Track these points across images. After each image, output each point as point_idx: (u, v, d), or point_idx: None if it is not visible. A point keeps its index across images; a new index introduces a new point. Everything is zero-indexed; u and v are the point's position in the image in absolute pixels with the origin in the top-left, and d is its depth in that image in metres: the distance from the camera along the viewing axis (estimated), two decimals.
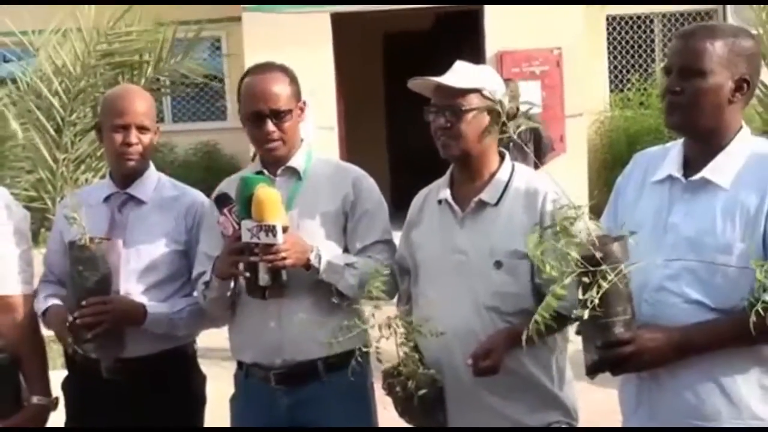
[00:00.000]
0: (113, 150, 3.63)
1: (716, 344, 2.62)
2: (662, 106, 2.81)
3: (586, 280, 2.47)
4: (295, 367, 3.38)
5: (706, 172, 2.70)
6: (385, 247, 3.44)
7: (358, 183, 3.47)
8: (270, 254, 3.17)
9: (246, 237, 3.20)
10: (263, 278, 3.24)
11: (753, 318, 2.42)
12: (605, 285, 2.46)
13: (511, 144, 3.35)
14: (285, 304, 3.32)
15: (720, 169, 2.69)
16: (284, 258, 3.18)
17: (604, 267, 2.47)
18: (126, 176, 3.67)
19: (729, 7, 12.73)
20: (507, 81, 3.80)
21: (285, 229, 3.20)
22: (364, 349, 3.05)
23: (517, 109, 3.01)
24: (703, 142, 2.74)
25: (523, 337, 2.61)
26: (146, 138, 3.59)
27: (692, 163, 2.76)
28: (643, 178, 2.89)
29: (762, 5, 7.54)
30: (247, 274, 3.25)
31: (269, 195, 3.20)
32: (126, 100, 3.66)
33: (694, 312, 2.64)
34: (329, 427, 3.41)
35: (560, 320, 2.82)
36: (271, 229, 3.15)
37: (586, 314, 2.49)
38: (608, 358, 2.59)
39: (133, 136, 3.56)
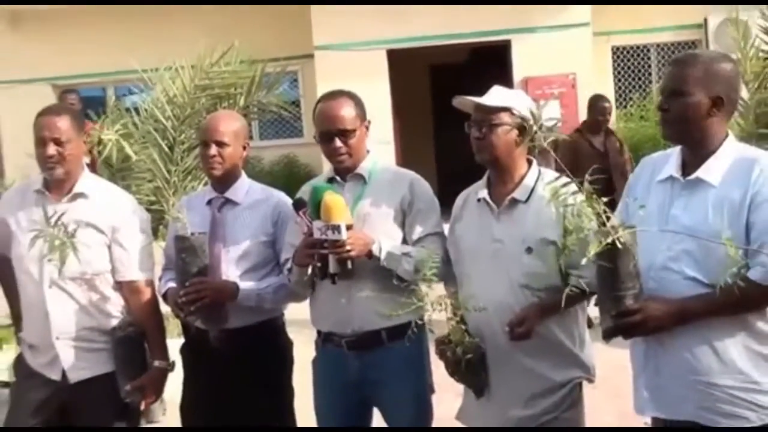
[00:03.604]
0: (201, 160, 3.74)
1: (709, 313, 2.60)
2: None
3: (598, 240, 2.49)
4: (363, 335, 3.39)
5: (700, 173, 2.69)
6: (437, 238, 3.41)
7: (413, 185, 3.46)
8: (337, 248, 3.19)
9: (317, 234, 3.22)
10: (333, 266, 3.27)
11: (739, 287, 2.47)
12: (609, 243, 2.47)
13: (537, 151, 3.33)
14: (353, 284, 3.33)
15: (710, 170, 2.68)
16: (349, 251, 3.20)
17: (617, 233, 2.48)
18: (218, 182, 3.69)
19: (710, 36, 12.54)
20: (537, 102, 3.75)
21: (349, 227, 3.22)
22: (419, 322, 3.06)
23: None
24: (694, 148, 2.74)
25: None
26: (226, 151, 3.60)
27: (688, 165, 2.75)
28: (650, 177, 2.87)
29: (741, 33, 7.40)
30: (319, 264, 3.28)
31: (335, 200, 3.22)
32: (210, 122, 3.71)
33: (691, 287, 2.62)
34: (386, 388, 3.41)
35: (581, 295, 2.83)
36: (336, 228, 3.17)
37: (583, 261, 2.52)
38: (621, 325, 2.59)
39: (212, 149, 3.58)
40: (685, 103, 2.68)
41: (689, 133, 2.72)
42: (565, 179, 2.82)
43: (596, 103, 7.99)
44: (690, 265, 2.63)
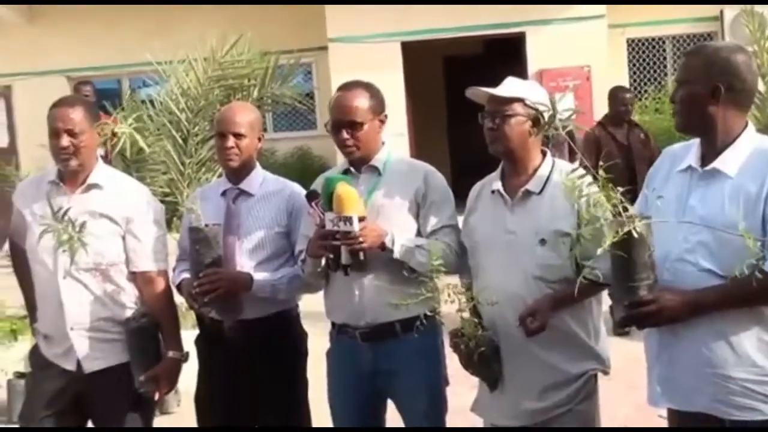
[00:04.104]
0: (217, 152, 3.72)
1: (722, 304, 2.60)
2: None
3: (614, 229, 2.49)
4: (376, 327, 3.38)
5: (717, 163, 2.69)
6: (451, 230, 3.40)
7: (428, 178, 3.44)
8: (348, 239, 3.19)
9: (329, 226, 3.22)
10: (345, 258, 3.26)
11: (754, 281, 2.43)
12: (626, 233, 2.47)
13: (550, 144, 3.32)
14: (367, 276, 3.33)
15: (727, 161, 2.67)
16: (361, 242, 3.19)
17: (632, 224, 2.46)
18: (233, 173, 3.69)
19: (726, 28, 12.47)
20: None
21: (362, 219, 3.21)
22: (429, 314, 3.06)
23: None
24: (707, 139, 2.73)
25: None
26: (243, 142, 3.60)
27: (706, 156, 2.74)
28: (670, 168, 2.87)
29: (756, 26, 7.34)
30: (331, 256, 3.28)
31: (347, 192, 3.22)
32: (226, 113, 3.71)
33: (705, 278, 2.62)
34: (400, 379, 3.40)
35: (595, 286, 2.82)
36: (348, 220, 3.17)
37: (599, 251, 2.50)
38: (634, 315, 2.59)
39: (230, 141, 3.59)
40: (684, 93, 2.71)
41: (693, 122, 2.74)
42: (581, 170, 2.81)
43: (617, 94, 7.83)
44: (705, 257, 2.62)
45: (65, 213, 3.29)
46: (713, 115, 2.68)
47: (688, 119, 2.74)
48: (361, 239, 3.18)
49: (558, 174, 3.13)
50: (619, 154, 7.16)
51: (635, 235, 2.46)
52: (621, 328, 2.63)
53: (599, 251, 2.50)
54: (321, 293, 3.59)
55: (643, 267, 2.53)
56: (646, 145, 7.64)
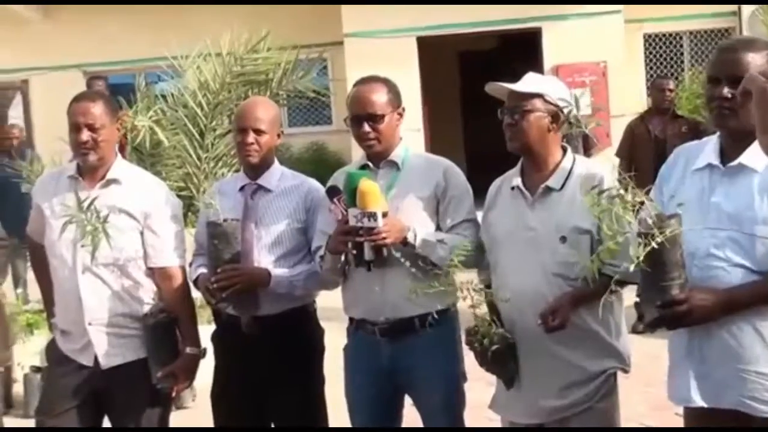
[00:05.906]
0: (237, 147, 3.71)
1: (757, 301, 2.57)
2: (711, 110, 2.71)
3: (642, 241, 2.45)
4: (395, 322, 3.37)
5: (743, 159, 2.64)
6: (470, 225, 3.39)
7: (447, 173, 3.44)
8: (372, 235, 3.18)
9: (352, 222, 3.21)
10: (368, 254, 3.25)
11: None
12: (656, 244, 2.44)
13: (564, 138, 3.30)
14: (387, 272, 3.31)
15: (754, 155, 2.61)
16: (384, 238, 3.19)
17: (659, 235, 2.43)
18: (252, 169, 3.68)
19: (744, 23, 12.39)
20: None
21: (385, 215, 3.20)
22: (444, 309, 3.06)
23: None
24: (740, 135, 2.65)
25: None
26: (263, 138, 3.59)
27: (728, 153, 2.69)
28: (684, 167, 2.82)
29: None
30: (354, 252, 3.27)
31: (370, 187, 3.20)
32: (247, 108, 3.69)
33: (738, 274, 2.58)
34: (418, 374, 3.39)
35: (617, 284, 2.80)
36: (372, 215, 3.16)
37: (631, 268, 2.49)
38: (666, 316, 2.55)
39: (250, 137, 3.57)
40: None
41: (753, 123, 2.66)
42: (598, 177, 2.78)
43: (656, 82, 7.87)
44: (736, 252, 2.59)
45: (91, 203, 3.29)
46: None
47: (750, 119, 2.64)
48: (384, 235, 3.18)
49: (579, 169, 3.11)
50: (651, 147, 7.13)
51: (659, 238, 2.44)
52: (652, 329, 2.59)
53: (632, 251, 2.46)
54: (338, 290, 3.58)
55: (674, 266, 2.49)
56: (684, 137, 7.55)
